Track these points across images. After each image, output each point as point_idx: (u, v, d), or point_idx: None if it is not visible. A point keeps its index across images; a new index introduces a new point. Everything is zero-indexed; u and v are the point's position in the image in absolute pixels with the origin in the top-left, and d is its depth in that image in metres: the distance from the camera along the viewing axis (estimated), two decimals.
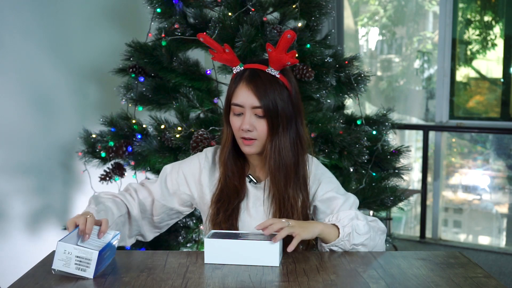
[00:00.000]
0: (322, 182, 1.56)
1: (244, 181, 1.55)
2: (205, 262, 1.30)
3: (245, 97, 1.44)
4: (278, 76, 1.45)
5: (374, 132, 2.35)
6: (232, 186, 1.52)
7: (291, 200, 1.48)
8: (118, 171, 2.46)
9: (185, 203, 1.61)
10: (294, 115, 1.48)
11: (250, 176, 1.55)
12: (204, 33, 1.52)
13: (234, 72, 1.50)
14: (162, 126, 2.29)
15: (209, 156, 1.60)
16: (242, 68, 1.49)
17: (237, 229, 1.51)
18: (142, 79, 2.39)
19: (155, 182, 1.60)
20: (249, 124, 1.44)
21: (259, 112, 1.44)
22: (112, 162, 2.47)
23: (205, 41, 1.50)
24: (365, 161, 2.29)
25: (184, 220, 2.46)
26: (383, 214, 3.16)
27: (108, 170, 2.47)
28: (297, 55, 1.44)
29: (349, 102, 2.66)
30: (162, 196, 1.58)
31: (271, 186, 1.50)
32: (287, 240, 1.36)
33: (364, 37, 5.64)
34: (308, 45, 2.22)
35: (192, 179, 1.58)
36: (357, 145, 2.21)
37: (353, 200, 1.56)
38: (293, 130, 1.49)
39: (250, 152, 1.49)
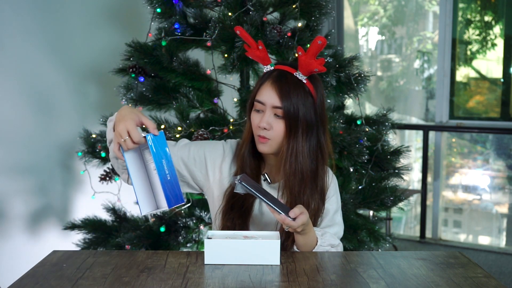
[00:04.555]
0: (331, 198, 1.58)
1: (259, 179, 1.55)
2: (205, 263, 1.30)
3: (268, 95, 1.45)
4: (305, 81, 1.46)
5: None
6: None
7: (305, 206, 1.48)
8: None
9: (195, 180, 1.58)
10: (316, 123, 1.48)
11: (266, 175, 1.55)
12: (240, 27, 1.53)
13: (264, 71, 1.51)
14: (162, 126, 2.29)
15: (233, 147, 1.60)
16: (272, 67, 1.50)
17: (248, 226, 1.52)
18: (142, 79, 2.39)
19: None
20: (267, 122, 1.45)
21: (279, 112, 1.44)
22: None
23: (241, 35, 1.51)
24: (365, 161, 2.29)
25: (184, 220, 2.46)
26: (383, 214, 3.16)
27: (108, 170, 2.47)
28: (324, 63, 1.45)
29: (349, 102, 2.66)
30: (183, 155, 1.56)
31: (285, 190, 1.49)
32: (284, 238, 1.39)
33: (364, 37, 5.64)
34: (308, 45, 2.21)
35: (211, 163, 1.56)
36: (357, 145, 2.21)
37: (337, 231, 1.58)
38: (314, 138, 1.48)
39: (263, 150, 1.49)
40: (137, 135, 1.30)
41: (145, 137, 1.30)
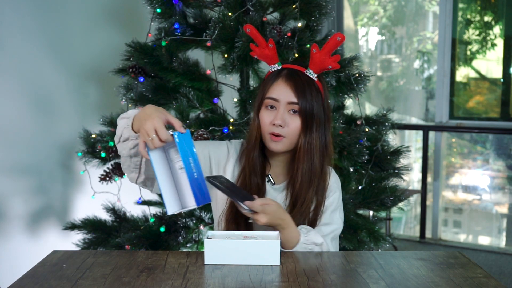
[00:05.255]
0: (330, 196, 1.57)
1: (264, 181, 1.54)
2: (205, 263, 1.29)
3: (282, 92, 1.45)
4: (315, 79, 1.47)
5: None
6: (255, 185, 1.51)
7: (308, 203, 1.48)
8: (118, 171, 2.46)
9: None
10: (324, 121, 1.49)
11: (270, 176, 1.55)
12: (250, 25, 1.52)
13: (270, 70, 1.51)
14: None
15: (237, 147, 1.59)
16: (280, 67, 1.50)
17: (252, 227, 1.52)
18: (142, 79, 2.39)
19: None
20: (281, 119, 1.44)
21: (295, 107, 1.44)
22: (112, 162, 2.47)
23: (251, 33, 1.51)
24: (365, 161, 2.29)
25: (184, 220, 2.46)
26: (383, 214, 3.16)
27: (108, 170, 2.47)
28: (339, 60, 1.46)
29: (349, 102, 2.66)
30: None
31: (296, 187, 1.48)
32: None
33: (364, 37, 5.64)
34: (308, 45, 2.22)
35: (215, 162, 1.56)
36: (357, 145, 2.21)
37: (334, 229, 1.53)
38: (323, 135, 1.49)
39: (276, 149, 1.47)
40: (164, 133, 1.29)
41: (172, 135, 1.30)
